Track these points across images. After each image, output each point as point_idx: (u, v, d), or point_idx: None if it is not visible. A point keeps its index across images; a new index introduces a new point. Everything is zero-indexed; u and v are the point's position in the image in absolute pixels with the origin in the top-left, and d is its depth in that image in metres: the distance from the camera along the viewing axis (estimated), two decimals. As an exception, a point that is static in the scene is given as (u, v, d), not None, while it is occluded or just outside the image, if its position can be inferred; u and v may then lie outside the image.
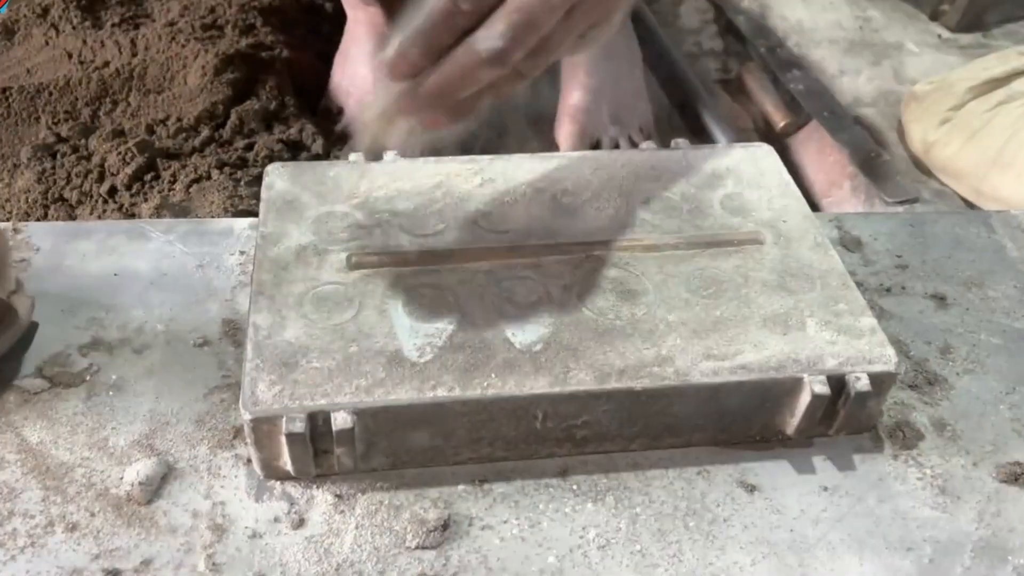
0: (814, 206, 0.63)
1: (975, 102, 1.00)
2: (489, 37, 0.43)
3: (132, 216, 0.81)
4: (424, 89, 0.46)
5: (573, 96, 1.00)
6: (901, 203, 0.98)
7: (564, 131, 1.00)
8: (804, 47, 1.25)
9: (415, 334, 0.52)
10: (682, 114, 1.15)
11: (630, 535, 0.50)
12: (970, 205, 0.99)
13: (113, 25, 1.02)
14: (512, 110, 1.10)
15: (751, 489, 0.52)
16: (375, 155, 0.59)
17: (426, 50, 0.45)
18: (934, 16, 1.31)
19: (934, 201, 1.00)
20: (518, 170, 0.64)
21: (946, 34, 1.29)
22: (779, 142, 1.11)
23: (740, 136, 1.09)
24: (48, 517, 0.49)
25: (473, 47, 0.44)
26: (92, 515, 0.49)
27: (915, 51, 1.25)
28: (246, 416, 0.48)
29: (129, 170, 0.83)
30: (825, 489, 0.53)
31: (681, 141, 0.68)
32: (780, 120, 1.13)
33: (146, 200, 0.82)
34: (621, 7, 0.47)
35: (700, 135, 1.09)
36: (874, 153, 1.04)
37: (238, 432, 0.53)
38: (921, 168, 1.06)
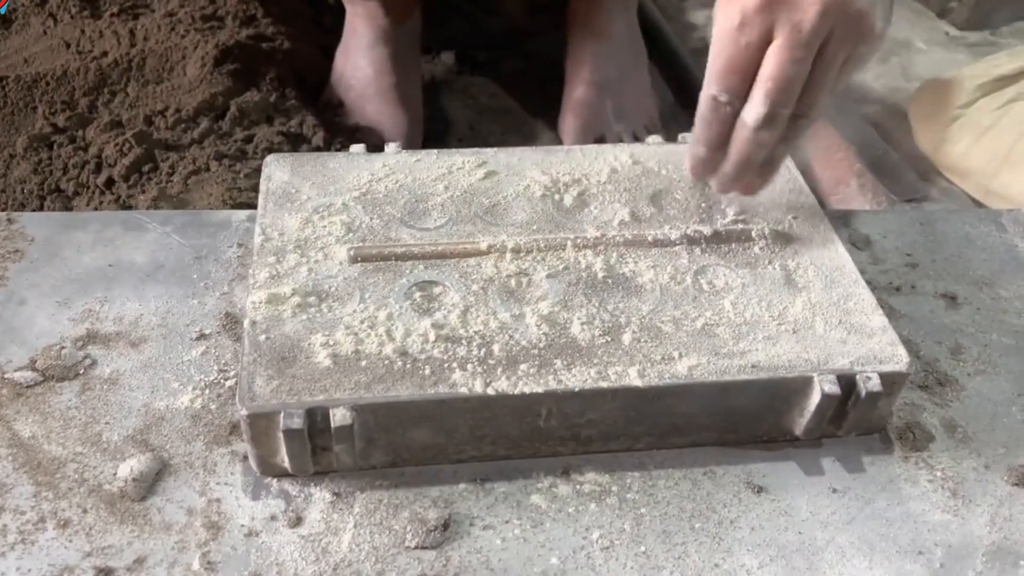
0: (820, 204, 0.62)
1: (984, 100, 0.99)
2: (754, 109, 0.51)
3: (129, 208, 0.79)
4: (727, 176, 0.55)
5: (577, 91, 0.99)
6: (909, 201, 0.97)
7: (568, 126, 0.99)
8: (810, 43, 1.24)
9: (416, 329, 0.51)
10: (687, 110, 1.14)
11: (635, 536, 0.48)
12: (978, 204, 0.98)
13: (112, 15, 1.00)
14: (516, 104, 1.09)
15: (759, 490, 0.51)
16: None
17: (711, 146, 0.54)
18: (942, 14, 1.30)
19: (942, 199, 0.98)
20: (521, 163, 0.63)
21: (954, 32, 1.28)
22: (785, 139, 1.09)
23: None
24: (39, 513, 0.48)
25: (744, 123, 0.51)
26: (84, 512, 0.48)
27: (923, 49, 1.24)
28: (243, 412, 0.46)
29: (127, 161, 0.82)
30: (834, 491, 0.51)
31: (688, 135, 0.67)
32: (786, 117, 1.11)
33: (143, 192, 0.81)
34: (874, 22, 0.50)
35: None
36: (882, 151, 1.03)
37: (235, 428, 0.52)
38: (929, 166, 1.05)
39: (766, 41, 0.50)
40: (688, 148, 0.56)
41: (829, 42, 0.50)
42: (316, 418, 0.47)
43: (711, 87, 0.52)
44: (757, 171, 0.55)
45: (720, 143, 0.53)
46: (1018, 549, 0.49)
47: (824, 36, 0.49)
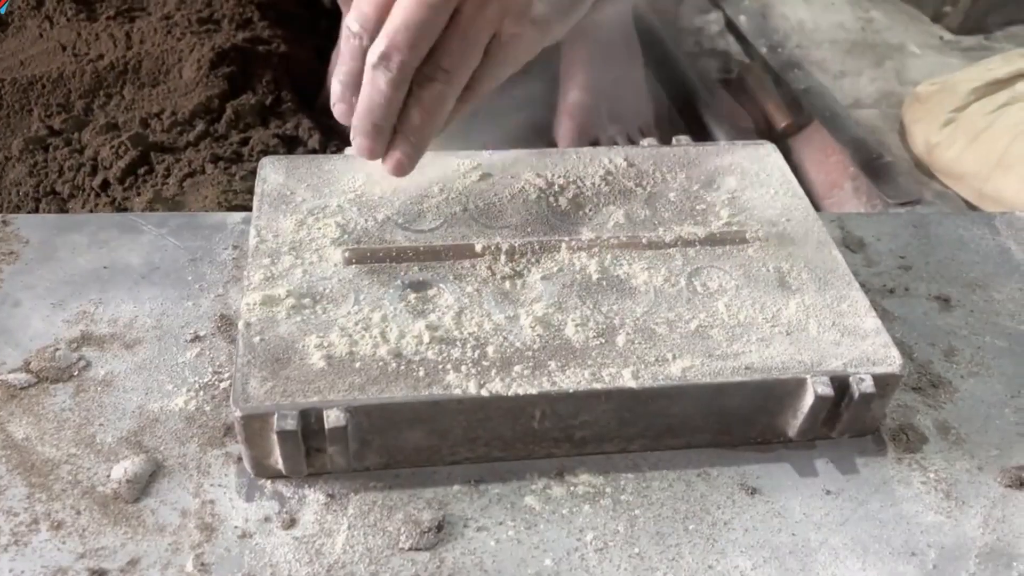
0: (815, 207, 0.62)
1: (978, 104, 0.99)
2: (374, 46, 0.47)
3: (124, 210, 0.80)
4: (357, 126, 0.50)
5: (572, 94, 0.99)
6: (903, 204, 0.97)
7: (563, 129, 1.00)
8: (805, 47, 1.25)
9: (411, 331, 0.51)
10: (682, 114, 1.14)
11: (628, 538, 0.48)
12: (972, 207, 0.98)
13: (108, 18, 1.01)
14: (511, 108, 1.09)
15: (752, 492, 0.51)
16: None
17: (344, 80, 0.50)
18: (936, 18, 1.31)
19: (936, 203, 0.99)
20: (516, 166, 0.63)
21: (948, 36, 1.28)
22: (780, 142, 1.09)
23: (741, 136, 1.08)
24: (32, 515, 0.48)
25: (367, 61, 0.47)
26: (78, 513, 0.48)
27: (917, 53, 1.24)
28: (237, 413, 0.46)
29: (122, 164, 0.82)
30: (828, 492, 0.52)
31: (683, 138, 0.67)
32: (781, 120, 1.12)
33: (139, 194, 0.81)
34: (529, 6, 0.47)
35: (700, 135, 1.08)
36: (876, 154, 1.03)
37: (229, 430, 0.52)
38: (923, 170, 1.05)
39: None
40: (330, 84, 0.51)
41: (464, 7, 0.46)
42: (310, 419, 0.47)
43: (348, 18, 0.48)
44: (396, 140, 0.51)
45: (355, 83, 0.49)
46: (1011, 550, 0.50)
47: None
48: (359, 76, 0.48)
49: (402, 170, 0.52)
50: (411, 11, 0.45)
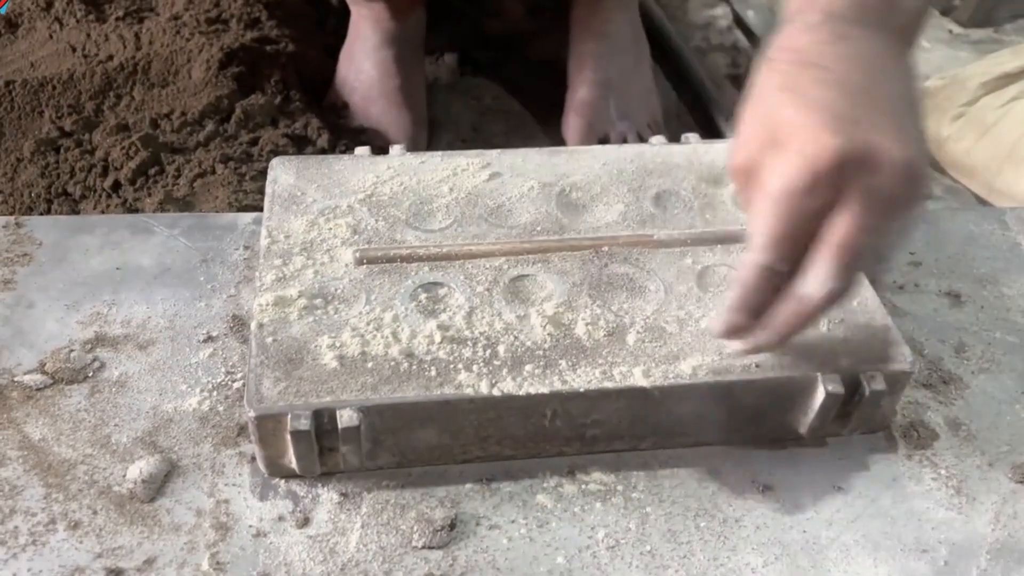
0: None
1: (988, 97, 0.98)
2: (820, 283, 0.44)
3: (135, 211, 0.80)
4: (765, 344, 0.47)
5: (580, 91, 0.99)
6: (912, 199, 0.96)
7: (571, 126, 0.99)
8: (814, 42, 1.24)
9: (422, 330, 0.51)
10: (691, 110, 1.14)
11: (640, 535, 0.49)
12: (983, 202, 0.98)
13: (117, 19, 1.01)
14: (519, 106, 1.10)
15: (763, 489, 0.51)
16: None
17: (751, 313, 0.46)
18: (945, 11, 1.30)
19: (946, 198, 0.98)
20: (526, 165, 0.63)
21: (957, 29, 1.28)
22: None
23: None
24: (50, 515, 0.48)
25: (807, 295, 0.44)
26: (94, 513, 0.48)
27: (926, 46, 1.24)
28: (250, 413, 0.47)
29: (133, 164, 0.82)
30: (838, 489, 0.52)
31: (691, 136, 0.67)
32: (789, 116, 1.11)
33: (150, 195, 0.81)
34: (928, 185, 0.46)
35: (709, 131, 1.08)
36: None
37: (242, 429, 0.53)
38: (933, 164, 1.05)
39: (833, 203, 0.43)
40: (723, 313, 0.47)
41: (897, 206, 0.44)
42: (323, 419, 0.47)
43: (767, 255, 0.44)
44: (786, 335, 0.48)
45: (755, 309, 0.46)
46: (1022, 546, 0.50)
47: (899, 201, 0.43)
48: (765, 304, 0.46)
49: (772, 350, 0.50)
50: (859, 243, 0.43)
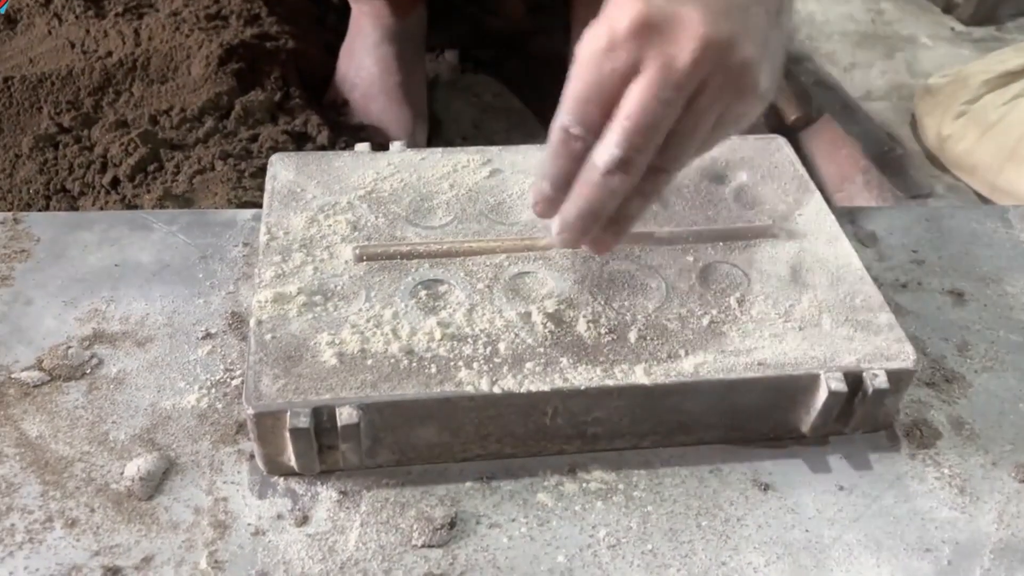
0: (826, 200, 0.62)
1: (991, 95, 0.98)
2: (606, 150, 0.43)
3: (134, 208, 0.80)
4: (568, 223, 0.46)
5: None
6: (915, 197, 0.96)
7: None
8: (816, 40, 1.24)
9: (422, 328, 0.51)
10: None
11: (641, 534, 0.48)
12: (985, 200, 0.97)
13: (116, 14, 1.00)
14: (520, 103, 1.09)
15: (765, 488, 0.51)
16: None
17: (557, 184, 0.46)
18: (947, 9, 1.30)
19: (948, 196, 0.98)
20: (527, 161, 0.63)
21: (959, 27, 1.27)
22: (791, 136, 1.09)
23: (751, 130, 1.07)
24: (47, 512, 0.48)
25: (594, 163, 0.44)
26: (92, 511, 0.48)
27: (928, 44, 1.23)
28: (249, 411, 0.46)
29: (132, 161, 0.82)
30: (841, 488, 0.51)
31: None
32: (791, 113, 1.11)
33: (149, 191, 0.81)
34: (758, 79, 0.44)
35: (710, 128, 1.07)
36: (887, 147, 1.03)
37: (241, 427, 0.52)
38: (935, 162, 1.04)
39: (632, 73, 0.42)
40: (534, 183, 0.48)
41: (703, 91, 0.43)
42: (322, 417, 0.47)
43: (564, 116, 0.44)
44: (606, 225, 0.47)
45: (568, 181, 0.46)
46: (1026, 546, 0.49)
47: (698, 82, 0.42)
48: (573, 176, 0.45)
49: (608, 251, 0.50)
50: (649, 111, 0.42)
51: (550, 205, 0.47)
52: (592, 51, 0.43)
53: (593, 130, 0.44)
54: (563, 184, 0.46)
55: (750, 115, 0.47)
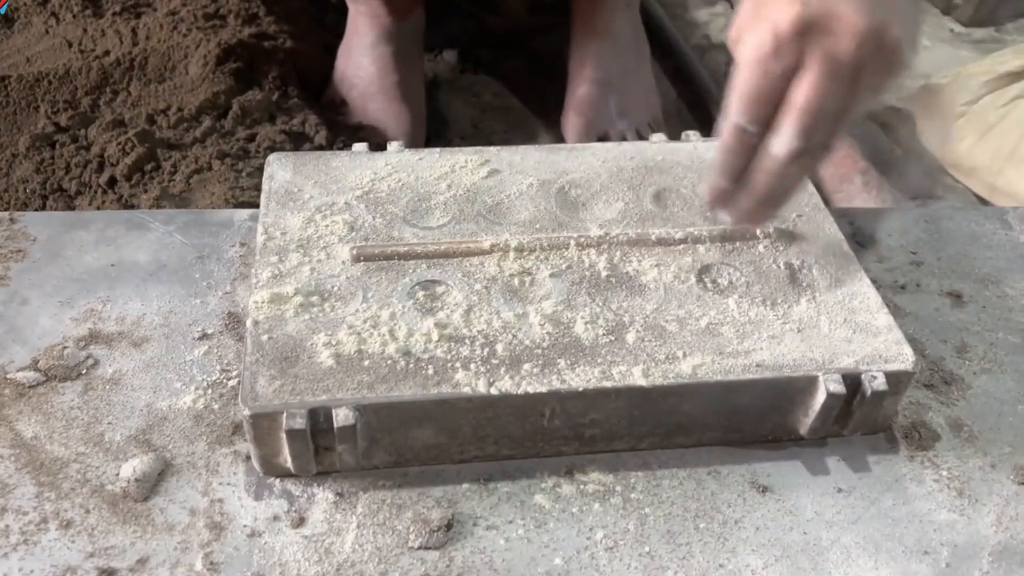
0: (824, 201, 0.62)
1: (990, 97, 0.98)
2: (786, 141, 0.47)
3: (131, 207, 0.79)
4: (746, 209, 0.52)
5: (580, 89, 0.99)
6: (914, 199, 0.96)
7: (571, 124, 0.99)
8: (814, 40, 1.23)
9: (419, 329, 0.50)
10: (691, 108, 1.13)
11: (639, 536, 0.48)
12: (984, 201, 0.97)
13: (114, 14, 1.00)
14: (519, 103, 1.09)
15: (763, 490, 0.51)
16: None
17: (731, 175, 0.51)
18: (947, 10, 1.29)
19: (947, 197, 0.98)
20: (525, 162, 0.63)
21: (959, 28, 1.27)
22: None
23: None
24: (42, 514, 0.48)
25: (774, 155, 0.48)
26: (87, 512, 0.48)
27: (927, 45, 1.23)
28: (245, 412, 0.46)
29: (129, 160, 0.82)
30: (839, 490, 0.51)
31: (692, 133, 0.67)
32: (790, 114, 1.11)
33: (146, 191, 0.80)
34: (905, 54, 0.48)
35: (710, 129, 1.07)
36: (886, 148, 1.03)
37: (237, 428, 0.52)
38: (934, 163, 1.04)
39: (796, 69, 0.47)
40: (709, 179, 0.52)
41: (863, 74, 0.47)
42: (319, 418, 0.47)
43: (739, 116, 0.48)
44: (767, 201, 0.52)
45: (739, 174, 0.51)
46: (1025, 549, 0.49)
47: (859, 68, 0.46)
48: (743, 168, 0.50)
49: (762, 222, 0.56)
50: (822, 104, 0.46)
51: (725, 198, 0.52)
52: (759, 54, 0.47)
53: (765, 125, 0.48)
54: (739, 177, 0.50)
55: (895, 84, 0.50)
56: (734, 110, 0.49)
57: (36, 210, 0.79)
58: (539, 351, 0.50)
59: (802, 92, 0.47)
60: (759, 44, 0.47)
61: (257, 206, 0.60)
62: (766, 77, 0.47)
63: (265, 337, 0.49)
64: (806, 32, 0.46)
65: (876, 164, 1.00)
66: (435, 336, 0.50)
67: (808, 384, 0.50)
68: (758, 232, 0.58)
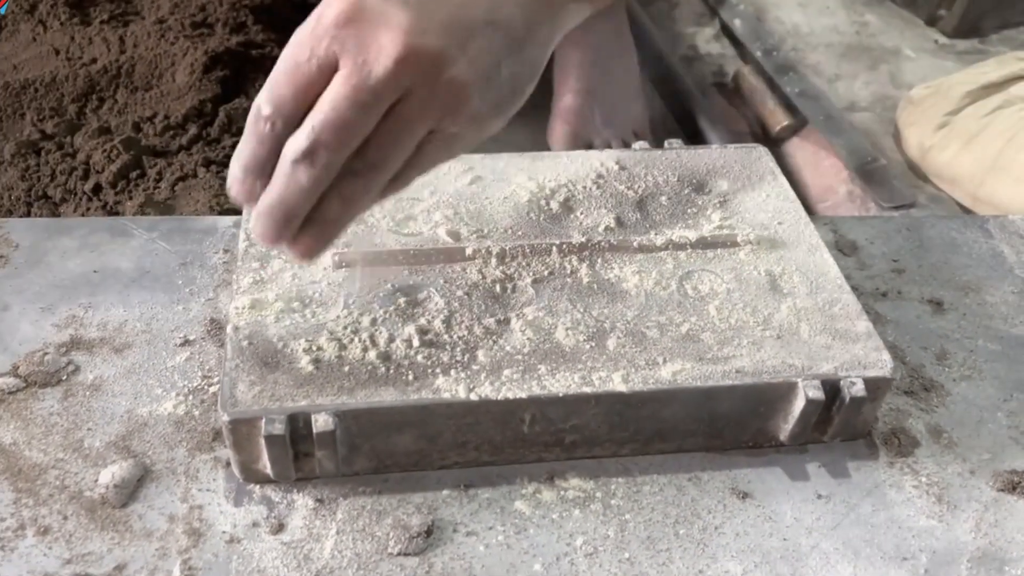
0: (809, 210, 0.62)
1: (972, 107, 0.99)
2: (295, 139, 0.41)
3: (116, 214, 0.79)
4: (260, 207, 0.43)
5: (566, 98, 0.99)
6: (897, 208, 0.97)
7: (556, 133, 0.99)
8: (800, 51, 1.25)
9: (400, 334, 0.50)
10: (677, 117, 1.14)
11: (619, 542, 0.48)
12: (966, 210, 0.98)
13: (102, 22, 1.00)
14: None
15: (743, 496, 0.51)
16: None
17: (248, 168, 0.43)
18: (931, 21, 1.31)
19: (930, 206, 0.99)
20: (507, 169, 0.63)
21: (943, 39, 1.29)
22: (775, 146, 1.10)
23: (735, 140, 1.08)
24: (19, 520, 0.47)
25: (284, 152, 0.42)
26: (65, 518, 0.47)
27: (912, 56, 1.24)
28: (224, 417, 0.46)
29: (114, 168, 0.82)
30: (819, 496, 0.51)
31: (675, 142, 0.67)
32: (776, 124, 1.12)
33: (131, 198, 0.80)
34: (471, 100, 0.43)
35: (695, 139, 1.08)
36: (870, 158, 1.03)
37: (218, 434, 0.52)
38: (917, 173, 1.05)
39: (334, 65, 0.41)
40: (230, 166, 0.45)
41: (406, 101, 0.42)
42: (298, 424, 0.47)
43: (261, 95, 0.43)
44: (305, 227, 0.44)
45: (259, 167, 0.43)
46: (1003, 555, 0.49)
47: (399, 92, 0.41)
48: (266, 161, 0.43)
49: (310, 257, 0.46)
50: (340, 109, 0.41)
51: (243, 190, 0.44)
52: (298, 36, 0.42)
53: (287, 117, 0.42)
54: (254, 168, 0.43)
55: (467, 138, 0.45)
56: (262, 89, 0.43)
57: (21, 217, 0.79)
58: (520, 357, 0.50)
59: (327, 92, 0.41)
60: (303, 25, 0.42)
61: (241, 213, 0.60)
62: (295, 62, 0.42)
63: (245, 343, 0.49)
64: (348, 27, 0.41)
65: (860, 174, 1.00)
66: (416, 342, 0.50)
67: (787, 390, 0.50)
68: (739, 239, 0.58)
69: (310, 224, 0.44)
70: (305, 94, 0.42)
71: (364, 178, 0.43)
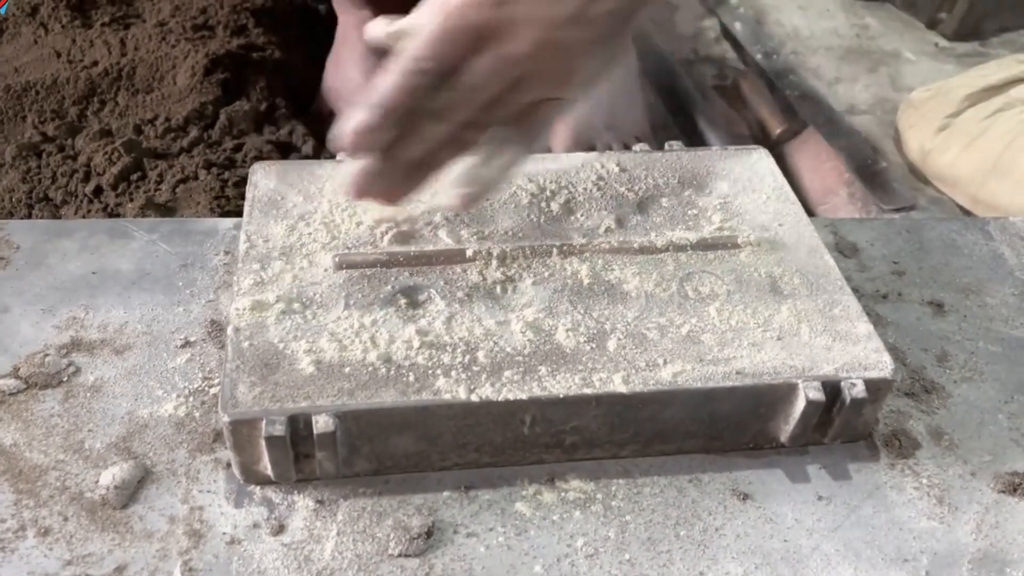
0: (810, 213, 0.62)
1: (973, 110, 0.99)
2: (441, 97, 0.46)
3: (117, 216, 0.79)
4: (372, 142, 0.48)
5: (567, 100, 0.99)
6: (898, 210, 0.97)
7: (558, 136, 0.99)
8: (801, 54, 1.25)
9: (401, 336, 0.50)
10: (678, 121, 1.14)
11: (619, 544, 0.48)
12: (967, 213, 0.98)
13: (103, 24, 1.01)
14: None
15: (744, 498, 0.51)
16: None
17: (386, 110, 0.47)
18: (931, 24, 1.31)
19: (930, 208, 0.99)
20: (509, 171, 0.63)
21: (943, 42, 1.29)
22: (775, 149, 1.10)
23: (736, 142, 1.08)
24: (20, 521, 0.47)
25: (423, 107, 0.47)
26: (65, 519, 0.47)
27: (912, 59, 1.25)
28: (225, 418, 0.46)
29: (115, 170, 0.82)
30: (820, 498, 0.51)
31: (675, 143, 0.67)
32: (776, 127, 1.12)
33: (132, 200, 0.81)
34: (574, 87, 0.48)
35: (695, 141, 1.08)
36: (871, 160, 1.03)
37: (218, 436, 0.52)
38: (918, 175, 1.05)
39: (486, 38, 0.46)
40: (357, 110, 0.47)
41: (525, 80, 0.47)
42: (299, 425, 0.47)
43: (420, 48, 0.46)
44: (409, 171, 0.50)
45: (396, 117, 0.47)
46: (1004, 556, 0.49)
47: (531, 69, 0.46)
48: (404, 113, 0.47)
49: (397, 199, 0.52)
50: (483, 78, 0.46)
51: (367, 139, 0.48)
52: (454, 4, 0.45)
53: (433, 75, 0.46)
54: (394, 123, 0.47)
55: (552, 115, 0.51)
56: (419, 44, 0.46)
57: (22, 219, 0.79)
58: (520, 358, 0.50)
59: (478, 60, 0.46)
60: None
61: (242, 215, 0.60)
62: (456, 30, 0.45)
63: (246, 344, 0.49)
64: (503, 7, 0.45)
65: (860, 176, 1.01)
66: (416, 343, 0.50)
67: (788, 391, 0.50)
68: (739, 240, 0.58)
69: (416, 167, 0.50)
70: (461, 54, 0.46)
71: (464, 142, 0.49)
